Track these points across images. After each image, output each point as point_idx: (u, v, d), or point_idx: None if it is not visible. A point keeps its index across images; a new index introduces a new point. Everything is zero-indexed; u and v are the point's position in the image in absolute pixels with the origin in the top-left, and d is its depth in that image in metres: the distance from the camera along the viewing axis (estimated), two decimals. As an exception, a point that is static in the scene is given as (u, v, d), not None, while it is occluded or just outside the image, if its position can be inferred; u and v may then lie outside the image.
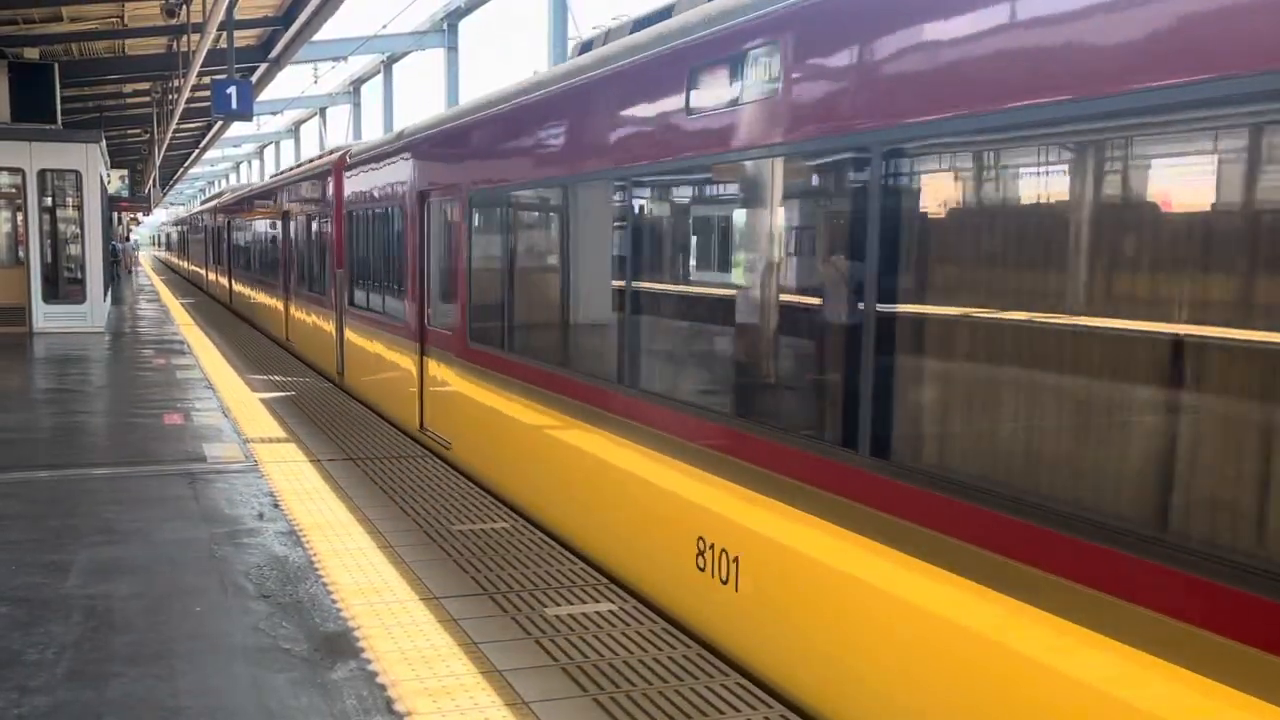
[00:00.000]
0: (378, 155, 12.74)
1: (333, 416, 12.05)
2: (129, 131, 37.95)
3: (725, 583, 5.40)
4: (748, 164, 5.29)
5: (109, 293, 26.69)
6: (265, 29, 22.97)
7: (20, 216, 20.98)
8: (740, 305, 5.49)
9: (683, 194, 6.19)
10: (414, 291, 11.01)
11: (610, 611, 5.86)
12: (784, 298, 5.13)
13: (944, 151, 4.06)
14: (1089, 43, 3.38)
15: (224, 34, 15.58)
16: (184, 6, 17.75)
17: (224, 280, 31.57)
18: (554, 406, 7.55)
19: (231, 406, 12.57)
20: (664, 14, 6.90)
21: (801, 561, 4.83)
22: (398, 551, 6.88)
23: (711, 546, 5.53)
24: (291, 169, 22.12)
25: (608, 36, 7.79)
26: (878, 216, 4.30)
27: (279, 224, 20.04)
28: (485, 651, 5.25)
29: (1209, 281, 3.13)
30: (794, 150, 4.87)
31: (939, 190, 4.16)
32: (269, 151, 61.82)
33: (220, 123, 31.46)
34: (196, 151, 48.12)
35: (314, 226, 16.66)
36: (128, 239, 65.03)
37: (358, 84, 39.66)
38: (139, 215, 65.36)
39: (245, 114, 15.33)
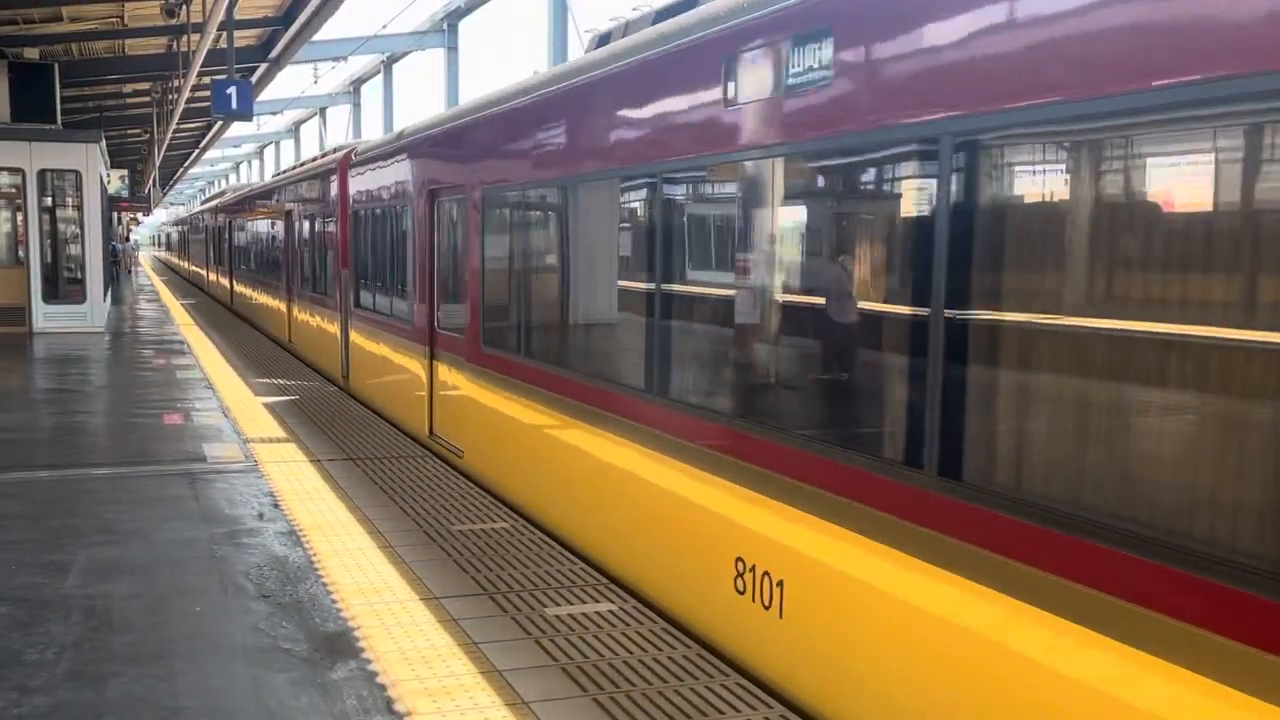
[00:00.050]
0: (385, 153, 12.47)
1: (333, 417, 12.04)
2: (129, 131, 37.94)
3: (768, 607, 5.07)
4: (804, 158, 4.89)
5: (109, 293, 26.69)
6: (265, 29, 22.96)
7: (20, 216, 20.99)
8: (787, 311, 5.17)
9: (724, 190, 5.70)
10: (423, 293, 10.74)
11: (610, 611, 5.85)
12: (835, 302, 4.78)
13: (1028, 142, 3.70)
14: (1223, 17, 2.94)
15: (224, 34, 15.58)
16: (184, 6, 17.74)
17: (225, 281, 31.54)
18: (575, 415, 7.20)
19: (231, 406, 12.56)
20: (687, 4, 6.61)
21: (859, 588, 4.45)
22: (398, 551, 6.88)
23: (752, 568, 5.19)
24: (294, 168, 22.04)
25: (627, 29, 7.48)
26: (948, 214, 3.93)
27: (282, 224, 19.94)
28: (485, 651, 5.25)
29: None
30: (853, 143, 4.48)
31: (1033, 185, 3.76)
32: (269, 151, 61.82)
33: (220, 123, 31.46)
34: (196, 151, 48.12)
35: (318, 226, 16.47)
36: (128, 239, 65.04)
37: (358, 84, 39.65)
38: (139, 215, 65.36)
39: (245, 114, 15.31)
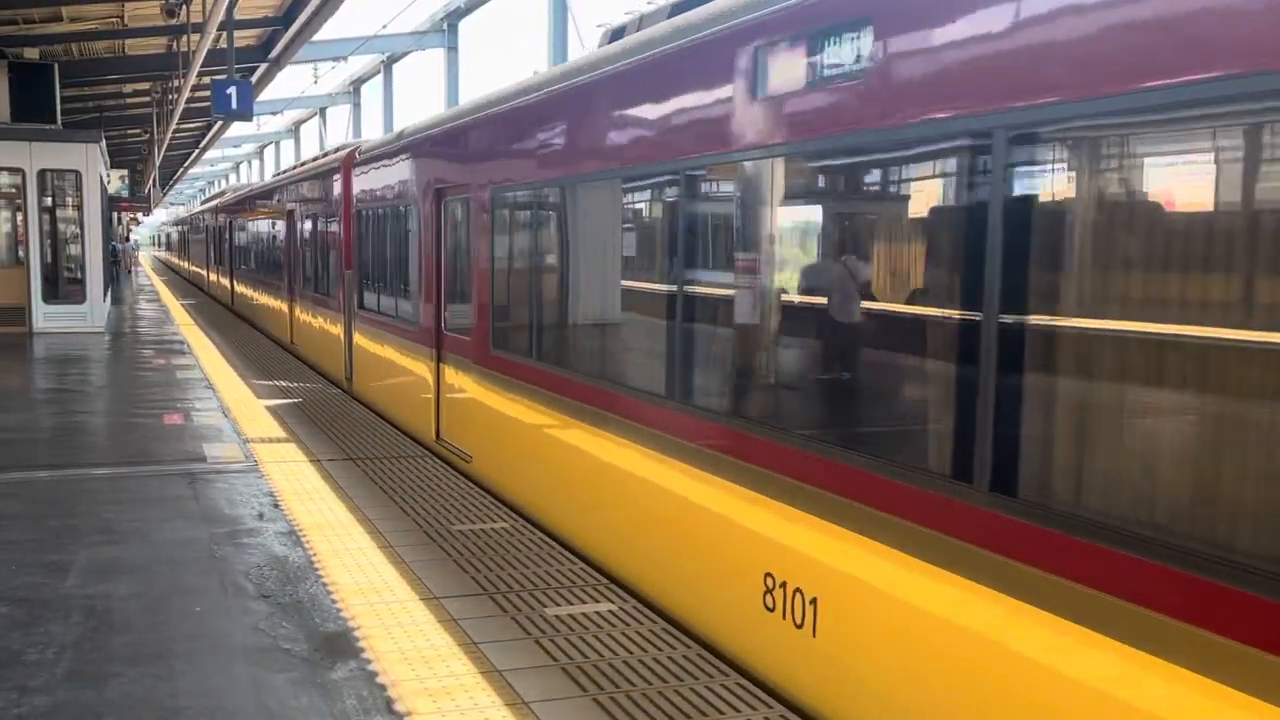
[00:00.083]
0: (390, 152, 12.26)
1: (333, 417, 12.04)
2: (129, 131, 37.95)
3: (799, 626, 4.85)
4: (844, 153, 4.62)
5: (109, 293, 26.69)
6: (265, 29, 22.97)
7: (20, 216, 21.00)
8: (820, 314, 4.91)
9: (756, 187, 5.35)
10: (429, 294, 10.56)
11: (610, 611, 5.85)
12: (877, 305, 4.57)
13: (1089, 136, 3.45)
14: None
15: (224, 34, 15.58)
16: (184, 6, 17.75)
17: (225, 281, 31.50)
18: (591, 421, 6.95)
19: (231, 406, 12.56)
20: None
21: (900, 609, 4.21)
22: (398, 551, 6.88)
23: (783, 585, 4.95)
24: (296, 167, 21.96)
25: (641, 23, 7.25)
26: (1003, 211, 3.67)
27: (283, 224, 19.85)
28: (485, 651, 5.25)
29: None
30: (899, 136, 4.22)
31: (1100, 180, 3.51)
32: (269, 151, 61.85)
33: (220, 123, 31.46)
34: (196, 151, 48.13)
35: (321, 226, 16.34)
36: (128, 239, 65.05)
37: (358, 84, 39.67)
38: (139, 215, 65.39)
39: (245, 114, 15.32)
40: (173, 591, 6.08)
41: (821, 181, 5.03)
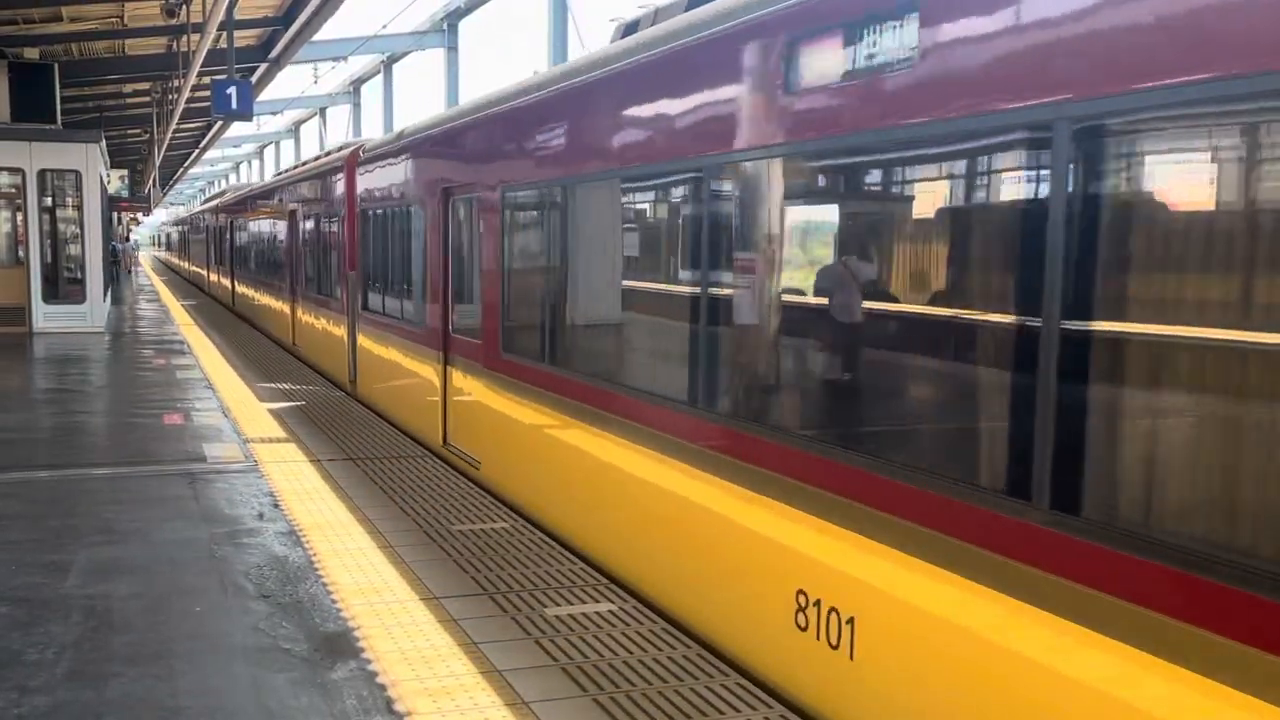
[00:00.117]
0: (396, 150, 12.03)
1: (333, 417, 12.04)
2: (129, 131, 37.96)
3: (835, 647, 4.63)
4: (892, 146, 4.36)
5: (109, 293, 26.70)
6: (265, 29, 22.97)
7: (20, 216, 21.00)
8: (858, 319, 4.69)
9: (788, 184, 5.09)
10: (436, 295, 10.37)
11: (610, 611, 5.85)
12: (920, 309, 4.33)
13: (1153, 129, 3.25)
14: None
15: (224, 34, 15.58)
16: (184, 6, 17.75)
17: (226, 281, 31.48)
18: (608, 428, 6.70)
19: (231, 406, 12.56)
20: None
21: (949, 631, 3.98)
22: (398, 551, 6.88)
23: (816, 603, 4.72)
24: (298, 166, 21.87)
25: (657, 16, 7.01)
26: (1064, 208, 3.44)
27: (286, 223, 19.77)
28: (485, 651, 5.25)
29: None
30: (947, 130, 3.98)
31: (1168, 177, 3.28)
32: (269, 151, 61.87)
33: (220, 123, 31.48)
34: (196, 151, 48.14)
35: (323, 226, 16.20)
36: (128, 239, 65.07)
37: (358, 84, 39.68)
38: (139, 215, 65.41)
39: (245, 114, 15.31)
40: (173, 591, 6.08)
41: (860, 178, 4.76)
